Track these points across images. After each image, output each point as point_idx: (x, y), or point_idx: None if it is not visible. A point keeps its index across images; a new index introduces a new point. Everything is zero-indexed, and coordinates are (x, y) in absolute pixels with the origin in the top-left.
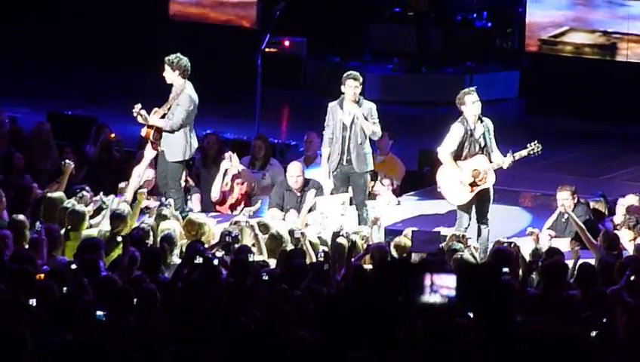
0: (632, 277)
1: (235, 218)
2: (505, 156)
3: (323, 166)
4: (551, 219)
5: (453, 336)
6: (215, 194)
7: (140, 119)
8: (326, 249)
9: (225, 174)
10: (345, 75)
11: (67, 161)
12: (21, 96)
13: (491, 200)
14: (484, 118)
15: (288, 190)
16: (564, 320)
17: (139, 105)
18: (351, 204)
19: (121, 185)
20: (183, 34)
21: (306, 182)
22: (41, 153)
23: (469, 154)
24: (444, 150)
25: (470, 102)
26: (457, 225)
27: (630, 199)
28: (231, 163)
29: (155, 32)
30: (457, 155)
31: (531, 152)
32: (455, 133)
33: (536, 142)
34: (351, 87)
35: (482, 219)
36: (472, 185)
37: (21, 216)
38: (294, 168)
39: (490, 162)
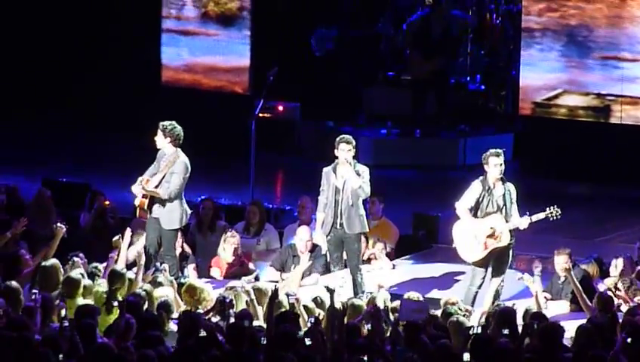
0: (629, 340)
1: (230, 283)
2: (521, 218)
3: (318, 231)
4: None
5: None
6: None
7: (139, 190)
8: (317, 314)
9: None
10: (338, 139)
11: (59, 224)
12: (14, 163)
13: (509, 263)
14: (507, 181)
15: (294, 255)
16: None
17: (144, 177)
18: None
19: (116, 238)
20: (176, 100)
21: (314, 247)
22: (41, 220)
23: (486, 213)
24: (462, 204)
25: (493, 164)
26: (470, 284)
27: (619, 263)
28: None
29: (148, 98)
30: (474, 212)
31: (549, 215)
32: (474, 189)
33: (555, 206)
34: (344, 150)
35: (493, 279)
36: (486, 242)
37: (14, 283)
38: (304, 232)
39: (507, 222)
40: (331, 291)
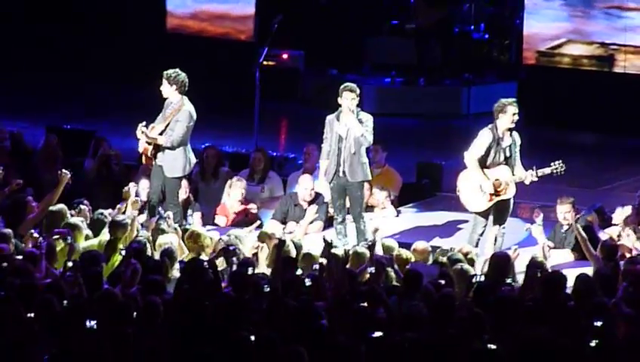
0: (630, 289)
1: (234, 231)
2: (527, 171)
3: (321, 178)
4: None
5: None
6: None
7: (141, 136)
8: (321, 261)
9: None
10: (341, 87)
11: (64, 170)
12: (19, 111)
13: (509, 212)
14: (513, 131)
15: (296, 204)
16: (563, 330)
17: (144, 123)
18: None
19: (126, 189)
20: (181, 47)
21: (316, 196)
22: (47, 166)
23: (493, 163)
24: (471, 154)
25: (511, 113)
26: (471, 231)
27: (627, 210)
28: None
29: (153, 45)
30: (482, 162)
31: (554, 171)
32: (484, 139)
33: (560, 161)
34: (347, 99)
35: (496, 227)
36: (492, 194)
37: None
38: (307, 181)
39: (513, 175)
40: (328, 243)
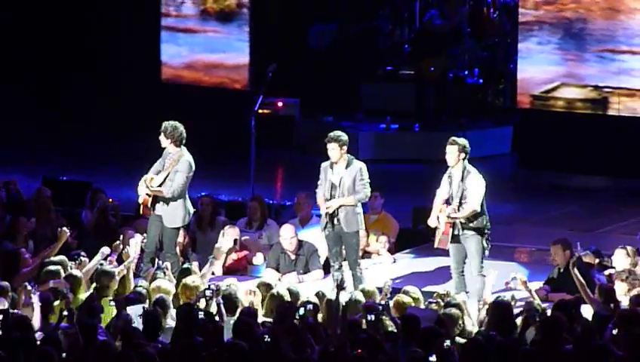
0: (615, 331)
1: (228, 279)
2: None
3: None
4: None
5: None
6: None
7: (143, 188)
8: (314, 301)
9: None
10: (325, 139)
11: (64, 228)
12: (15, 162)
13: (478, 255)
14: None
15: (283, 252)
16: None
17: (150, 176)
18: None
19: (117, 243)
20: (176, 97)
21: (300, 244)
22: (40, 219)
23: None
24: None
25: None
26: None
27: (617, 253)
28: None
29: (148, 96)
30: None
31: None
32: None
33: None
34: (329, 150)
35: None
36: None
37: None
38: (287, 230)
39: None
40: (340, 288)
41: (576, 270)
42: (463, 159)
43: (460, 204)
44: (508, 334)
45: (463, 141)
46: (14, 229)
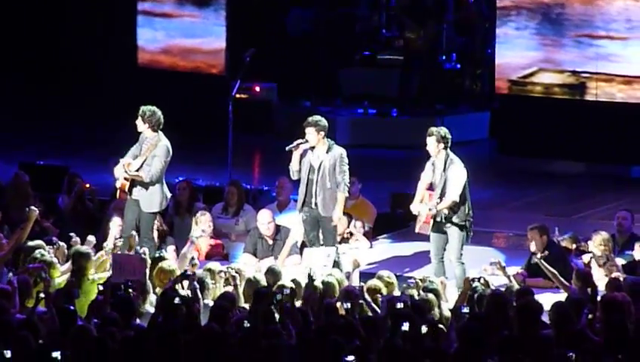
0: (590, 316)
1: (208, 264)
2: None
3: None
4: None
5: None
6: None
7: (121, 172)
8: (291, 285)
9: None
10: (303, 124)
11: (32, 207)
12: None
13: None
14: (448, 159)
15: (260, 238)
16: (539, 360)
17: (127, 160)
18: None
19: (90, 238)
20: (153, 82)
21: (278, 229)
22: (18, 204)
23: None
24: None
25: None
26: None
27: (594, 238)
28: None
29: (124, 80)
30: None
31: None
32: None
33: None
34: (307, 134)
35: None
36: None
37: None
38: (264, 215)
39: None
40: (311, 278)
41: (543, 261)
42: (444, 148)
43: (442, 193)
44: (505, 324)
45: (442, 131)
46: None
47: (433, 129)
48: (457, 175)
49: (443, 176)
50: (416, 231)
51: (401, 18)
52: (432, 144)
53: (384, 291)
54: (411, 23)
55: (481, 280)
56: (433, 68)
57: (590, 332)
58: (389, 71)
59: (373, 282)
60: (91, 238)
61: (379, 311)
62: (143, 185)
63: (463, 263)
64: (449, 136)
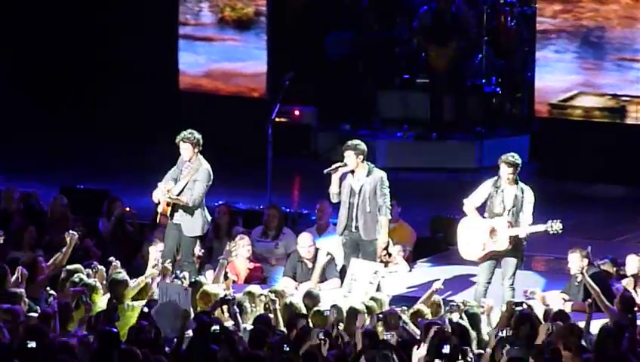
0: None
1: (248, 288)
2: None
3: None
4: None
5: None
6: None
7: (163, 196)
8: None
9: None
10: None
11: (71, 231)
12: (33, 171)
13: (515, 266)
14: (523, 186)
15: (300, 261)
16: None
17: (170, 185)
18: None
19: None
20: (194, 106)
21: (316, 252)
22: (57, 228)
23: (493, 213)
24: (469, 201)
25: (502, 169)
26: (477, 281)
27: (629, 260)
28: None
29: (165, 104)
30: (484, 211)
31: (549, 229)
32: (483, 187)
33: (557, 220)
34: (346, 158)
35: (503, 281)
36: (485, 243)
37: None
38: (305, 239)
39: (512, 227)
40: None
41: (588, 278)
42: (515, 179)
43: (516, 218)
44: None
45: (516, 160)
46: (20, 238)
47: (509, 158)
48: (530, 201)
49: (516, 203)
50: (470, 258)
51: (420, 38)
52: (506, 171)
53: (429, 316)
54: (433, 46)
55: (524, 305)
56: (461, 87)
57: (632, 357)
58: (428, 94)
59: (418, 306)
60: (116, 263)
61: (417, 334)
62: (184, 210)
63: (514, 289)
64: (519, 161)
